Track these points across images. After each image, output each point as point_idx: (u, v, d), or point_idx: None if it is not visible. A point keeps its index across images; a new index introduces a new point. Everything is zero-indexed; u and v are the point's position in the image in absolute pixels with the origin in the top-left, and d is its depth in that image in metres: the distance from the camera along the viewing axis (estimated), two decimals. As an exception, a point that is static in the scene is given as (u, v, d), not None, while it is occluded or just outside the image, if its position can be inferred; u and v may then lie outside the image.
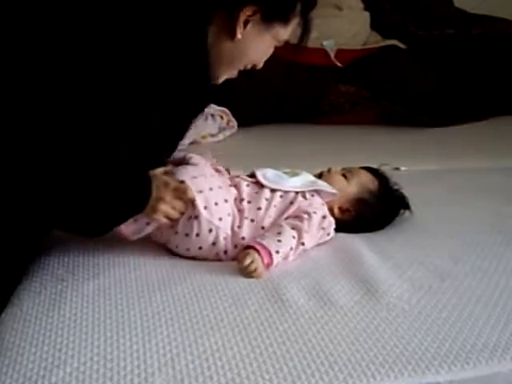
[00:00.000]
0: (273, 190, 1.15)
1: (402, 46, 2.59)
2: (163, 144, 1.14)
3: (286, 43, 1.10)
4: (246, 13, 1.01)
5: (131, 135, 0.98)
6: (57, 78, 0.89)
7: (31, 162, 0.89)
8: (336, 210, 1.22)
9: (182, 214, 1.07)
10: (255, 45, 1.06)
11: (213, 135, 2.27)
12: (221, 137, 2.28)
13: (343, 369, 0.78)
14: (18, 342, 0.83)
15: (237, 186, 1.15)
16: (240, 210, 1.12)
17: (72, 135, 0.90)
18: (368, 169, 1.31)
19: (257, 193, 1.14)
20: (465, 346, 0.83)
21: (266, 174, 1.19)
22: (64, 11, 0.92)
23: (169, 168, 1.13)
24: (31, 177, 0.90)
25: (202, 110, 1.21)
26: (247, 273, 1.01)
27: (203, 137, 2.22)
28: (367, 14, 2.65)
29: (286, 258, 1.07)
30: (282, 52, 1.13)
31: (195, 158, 1.17)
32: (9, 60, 0.90)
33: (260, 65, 1.12)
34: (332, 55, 2.48)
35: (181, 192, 1.05)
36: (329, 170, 1.28)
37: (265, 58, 1.12)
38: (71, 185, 0.92)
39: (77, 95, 0.90)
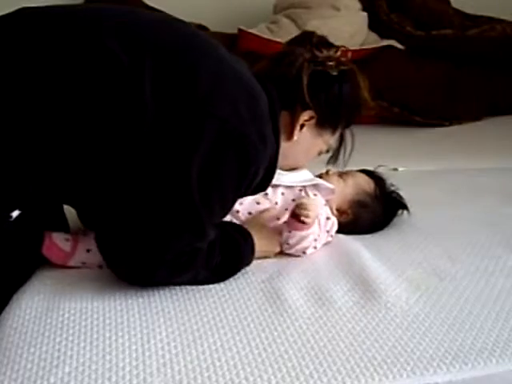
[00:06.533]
0: (273, 186, 1.16)
1: (399, 46, 2.59)
2: None
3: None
4: (305, 117, 1.05)
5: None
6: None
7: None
8: (334, 212, 1.22)
9: None
10: (307, 148, 1.12)
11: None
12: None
13: (341, 369, 0.78)
14: (17, 342, 0.83)
15: None
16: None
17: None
18: (364, 171, 1.31)
19: None
20: (463, 346, 0.84)
21: None
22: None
23: None
24: None
25: None
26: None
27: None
28: (365, 14, 2.65)
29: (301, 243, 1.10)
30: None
31: None
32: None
33: (300, 167, 1.19)
34: (330, 56, 2.48)
35: None
36: (327, 172, 1.28)
37: (307, 162, 1.18)
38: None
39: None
